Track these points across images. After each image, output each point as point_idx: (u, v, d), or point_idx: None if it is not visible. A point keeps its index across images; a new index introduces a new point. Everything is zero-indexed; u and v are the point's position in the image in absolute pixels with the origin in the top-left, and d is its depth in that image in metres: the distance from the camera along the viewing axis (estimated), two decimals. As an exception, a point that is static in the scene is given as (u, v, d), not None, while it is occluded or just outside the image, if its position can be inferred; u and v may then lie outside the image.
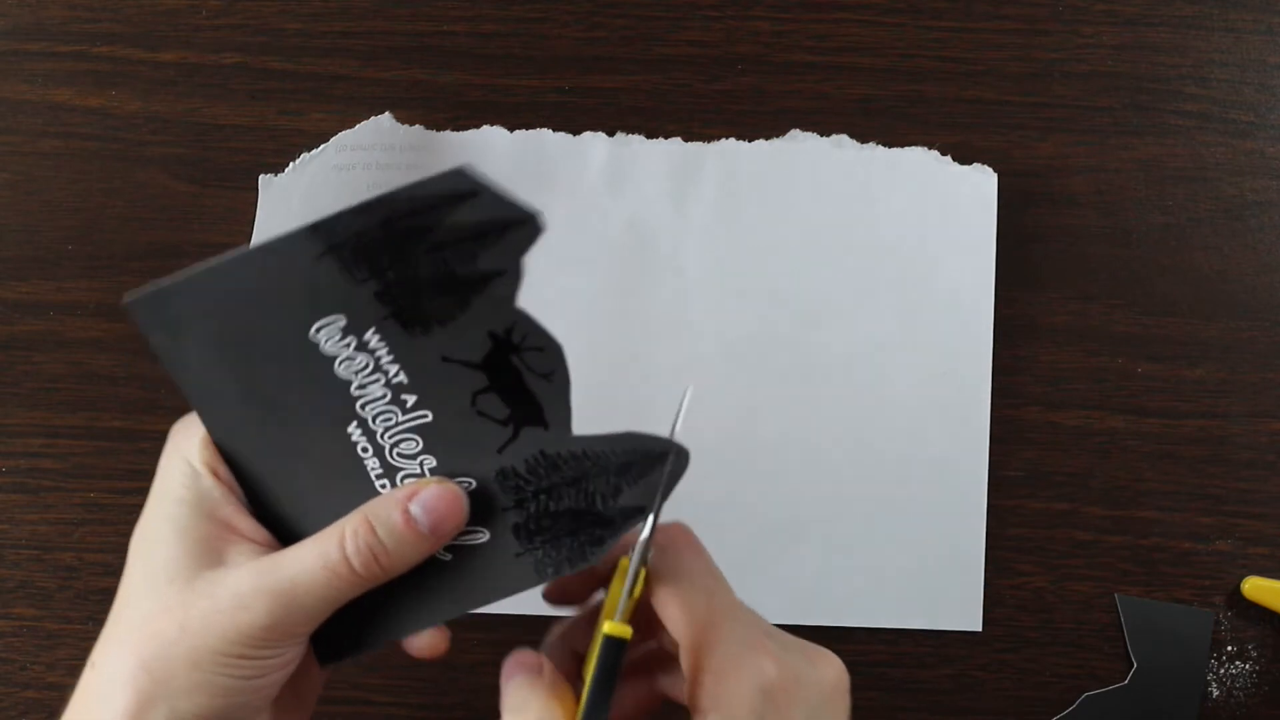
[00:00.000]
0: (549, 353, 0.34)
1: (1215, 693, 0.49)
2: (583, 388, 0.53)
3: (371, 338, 0.35)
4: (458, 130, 0.51)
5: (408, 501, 0.34)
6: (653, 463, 0.35)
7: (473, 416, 0.35)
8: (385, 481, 0.36)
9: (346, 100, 0.51)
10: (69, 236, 0.51)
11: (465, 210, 0.33)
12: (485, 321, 0.34)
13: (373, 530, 0.34)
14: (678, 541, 0.35)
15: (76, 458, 0.50)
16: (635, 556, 0.34)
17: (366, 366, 0.35)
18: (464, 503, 0.35)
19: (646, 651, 0.38)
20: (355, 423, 0.36)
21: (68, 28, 0.52)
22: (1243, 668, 0.49)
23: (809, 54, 0.52)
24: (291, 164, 0.51)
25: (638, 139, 0.51)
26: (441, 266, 0.33)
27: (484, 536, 0.36)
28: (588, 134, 0.51)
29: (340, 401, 0.35)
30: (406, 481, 0.36)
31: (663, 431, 0.36)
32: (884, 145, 0.51)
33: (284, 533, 0.37)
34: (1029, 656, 0.50)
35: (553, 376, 0.35)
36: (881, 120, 0.51)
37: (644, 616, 0.36)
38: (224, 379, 0.35)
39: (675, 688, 0.37)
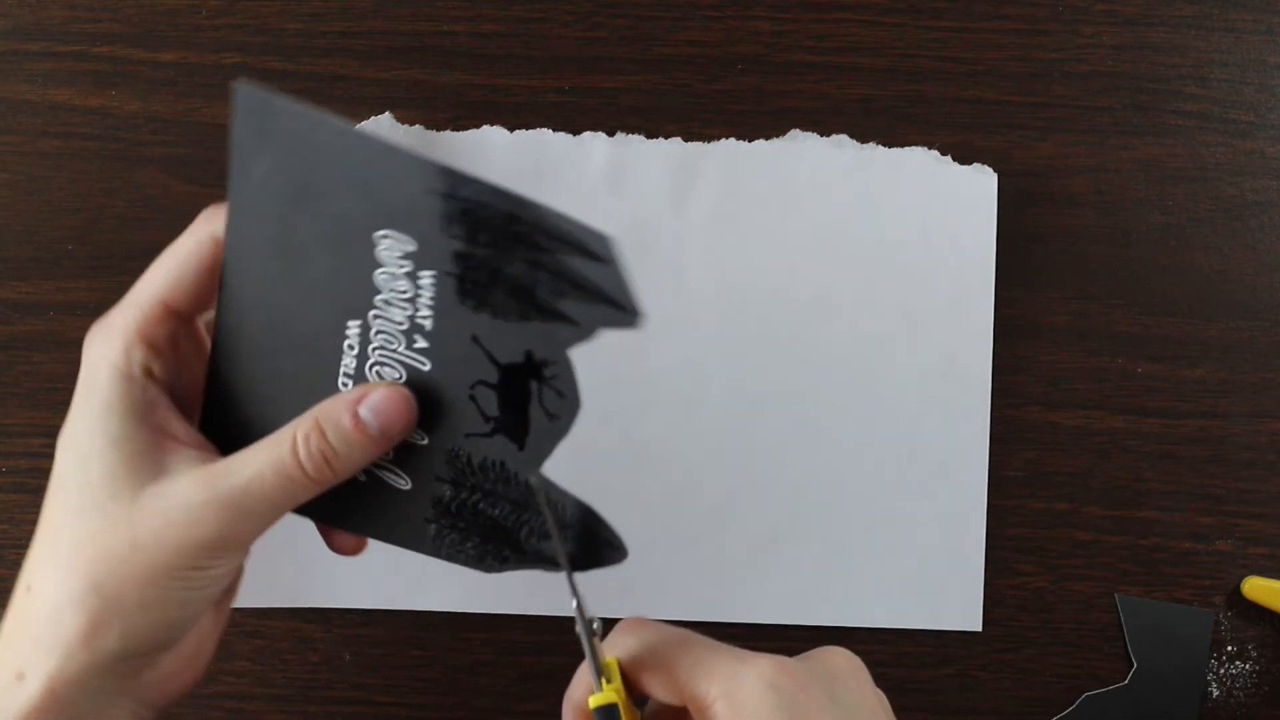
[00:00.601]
0: (567, 401, 0.35)
1: (1215, 693, 0.49)
2: (583, 387, 0.53)
3: (425, 278, 0.35)
4: (458, 130, 0.51)
5: (356, 404, 0.34)
6: (590, 546, 0.36)
7: (463, 399, 0.36)
8: (348, 383, 0.36)
9: (346, 100, 0.51)
10: (69, 236, 0.51)
11: (584, 265, 0.33)
12: (531, 342, 0.35)
13: (323, 434, 0.34)
14: (631, 625, 0.35)
15: (76, 458, 0.50)
16: (581, 629, 0.34)
17: (405, 293, 0.35)
18: (411, 404, 0.35)
19: None
20: (359, 323, 0.36)
21: (68, 28, 0.52)
22: (1243, 668, 0.49)
23: (809, 54, 0.52)
24: (291, 164, 0.51)
25: (638, 139, 0.51)
26: (528, 279, 0.34)
27: (405, 484, 0.37)
28: (588, 134, 0.51)
29: (359, 299, 0.36)
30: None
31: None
32: (884, 145, 0.51)
33: (227, 380, 0.37)
34: (1029, 656, 0.50)
35: (555, 421, 0.35)
36: (881, 120, 0.51)
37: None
38: (273, 208, 0.36)
39: None
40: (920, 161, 0.51)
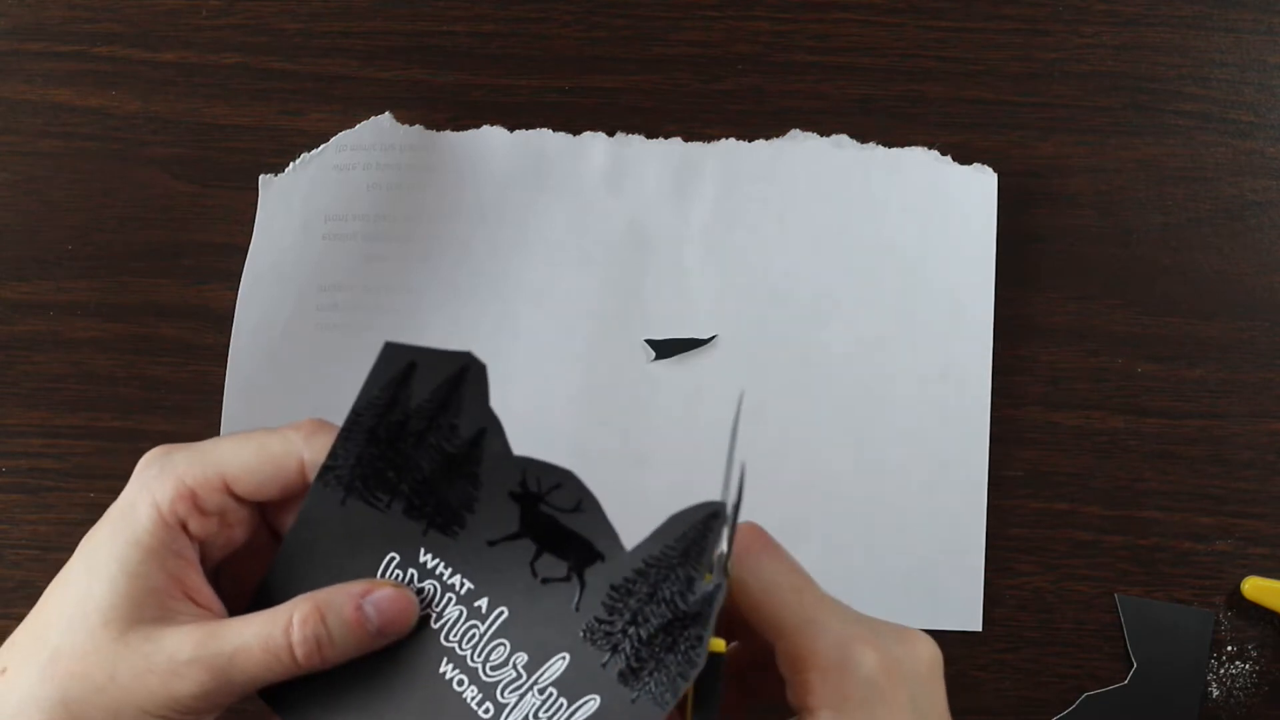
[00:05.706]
0: (566, 485, 0.34)
1: (1215, 693, 0.49)
2: (583, 388, 0.53)
3: (426, 559, 0.35)
4: (458, 130, 0.51)
5: (361, 597, 0.34)
6: (705, 530, 0.34)
7: (540, 589, 0.35)
8: (489, 705, 0.35)
9: (346, 100, 0.51)
10: (69, 236, 0.51)
11: (417, 385, 0.34)
12: (500, 485, 0.34)
13: (323, 620, 0.34)
14: (754, 545, 0.35)
15: (76, 458, 0.50)
16: (715, 572, 0.33)
17: (435, 593, 0.35)
18: (415, 608, 0.35)
19: (732, 654, 0.37)
20: (445, 659, 0.35)
21: (68, 28, 0.52)
22: (1243, 668, 0.49)
23: (809, 54, 0.52)
24: (291, 164, 0.51)
25: (638, 139, 0.51)
26: (436, 453, 0.34)
27: (595, 702, 0.34)
28: (588, 134, 0.51)
29: (428, 644, 0.35)
30: (506, 692, 0.35)
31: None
32: (884, 145, 0.51)
33: None
34: (1029, 656, 0.50)
35: (582, 504, 0.34)
36: (881, 120, 0.51)
37: (728, 622, 0.35)
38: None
39: (766, 688, 0.36)
40: (920, 161, 0.51)
